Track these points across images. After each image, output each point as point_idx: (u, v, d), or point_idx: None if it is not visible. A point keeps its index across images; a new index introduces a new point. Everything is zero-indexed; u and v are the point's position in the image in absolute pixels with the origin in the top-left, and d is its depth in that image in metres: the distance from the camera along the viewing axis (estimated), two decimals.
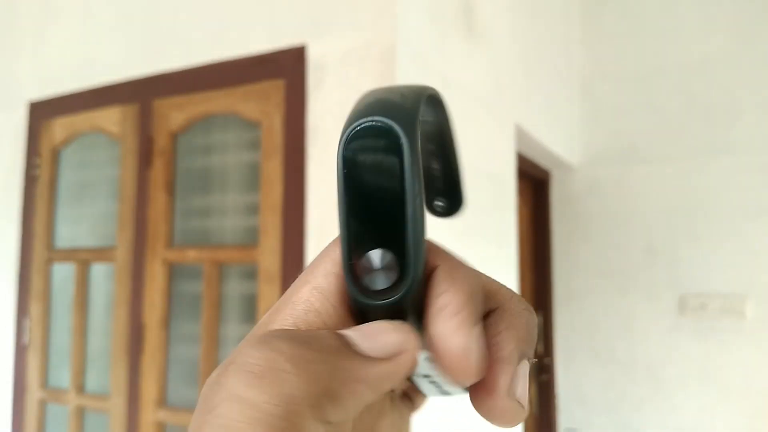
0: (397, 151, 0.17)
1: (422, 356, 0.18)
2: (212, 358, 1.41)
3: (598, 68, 2.75)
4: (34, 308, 1.74)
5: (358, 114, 0.18)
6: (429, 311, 0.18)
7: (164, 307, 1.50)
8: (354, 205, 0.18)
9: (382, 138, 0.18)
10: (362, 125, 0.18)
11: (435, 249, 0.19)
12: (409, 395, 0.22)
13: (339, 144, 0.18)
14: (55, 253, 1.73)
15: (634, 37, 2.68)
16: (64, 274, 1.71)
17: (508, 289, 0.21)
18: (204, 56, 1.46)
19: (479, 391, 0.19)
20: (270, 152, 1.36)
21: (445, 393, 0.20)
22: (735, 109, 2.46)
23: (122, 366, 1.54)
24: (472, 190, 1.62)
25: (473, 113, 1.62)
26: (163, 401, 1.49)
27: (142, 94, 1.57)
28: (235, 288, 1.44)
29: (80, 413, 1.64)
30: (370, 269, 0.17)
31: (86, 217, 1.72)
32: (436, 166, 0.24)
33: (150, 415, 1.49)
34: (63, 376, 1.69)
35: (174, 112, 1.51)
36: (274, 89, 1.36)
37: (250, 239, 1.41)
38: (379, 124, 0.18)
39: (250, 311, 1.42)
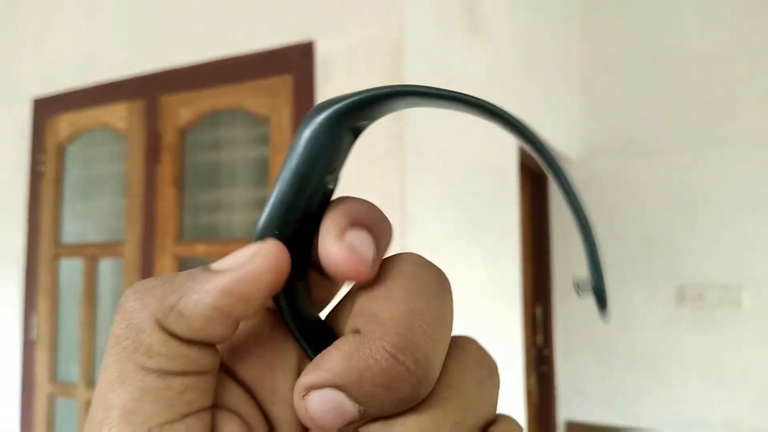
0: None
1: None
2: None
3: (597, 62, 2.77)
4: (42, 304, 1.75)
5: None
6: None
7: None
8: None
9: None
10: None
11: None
12: None
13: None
14: (62, 249, 1.74)
15: (633, 31, 2.70)
16: (71, 269, 1.73)
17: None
18: (211, 52, 1.47)
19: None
20: (279, 147, 1.38)
21: None
22: (733, 102, 2.48)
23: None
24: (477, 184, 1.64)
25: None
26: None
27: (148, 90, 1.58)
28: None
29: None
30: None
31: (93, 213, 1.73)
32: None
33: None
34: (72, 370, 1.70)
35: (182, 108, 1.52)
36: (283, 85, 1.38)
37: None
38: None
39: None
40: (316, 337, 0.19)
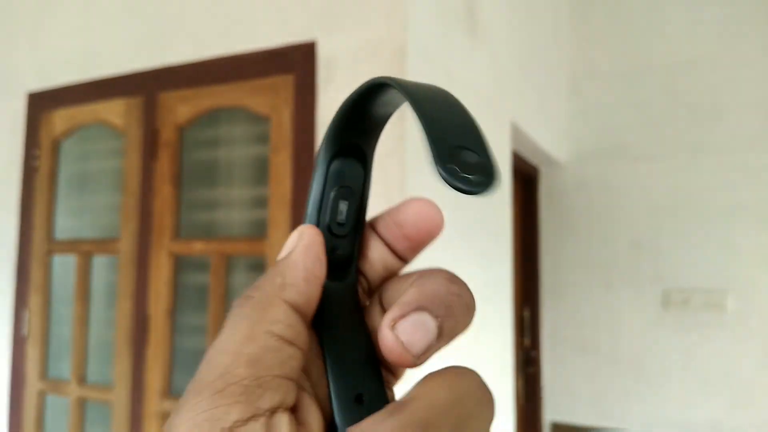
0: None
1: None
2: None
3: (587, 67, 2.81)
4: (34, 300, 1.73)
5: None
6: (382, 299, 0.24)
7: (170, 299, 1.51)
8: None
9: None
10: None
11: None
12: (390, 368, 0.24)
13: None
14: (55, 245, 1.73)
15: (622, 37, 2.75)
16: (64, 265, 1.71)
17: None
18: (212, 50, 1.47)
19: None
20: (279, 146, 1.38)
21: None
22: (719, 109, 2.53)
23: (126, 357, 1.55)
24: None
25: (475, 110, 1.65)
26: (168, 391, 1.50)
27: (147, 87, 1.58)
28: (242, 280, 1.46)
29: (81, 404, 1.64)
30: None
31: (88, 209, 1.72)
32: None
33: (154, 405, 1.50)
34: (63, 367, 1.69)
35: (180, 105, 1.52)
36: (284, 84, 1.38)
37: (258, 232, 1.43)
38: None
39: None
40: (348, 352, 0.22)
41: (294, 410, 0.20)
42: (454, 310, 0.21)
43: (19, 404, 1.73)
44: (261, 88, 1.41)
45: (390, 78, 0.22)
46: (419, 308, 0.20)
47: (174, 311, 1.52)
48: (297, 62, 1.37)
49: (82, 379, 1.65)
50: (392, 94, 0.23)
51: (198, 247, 1.49)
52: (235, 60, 1.44)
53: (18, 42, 1.85)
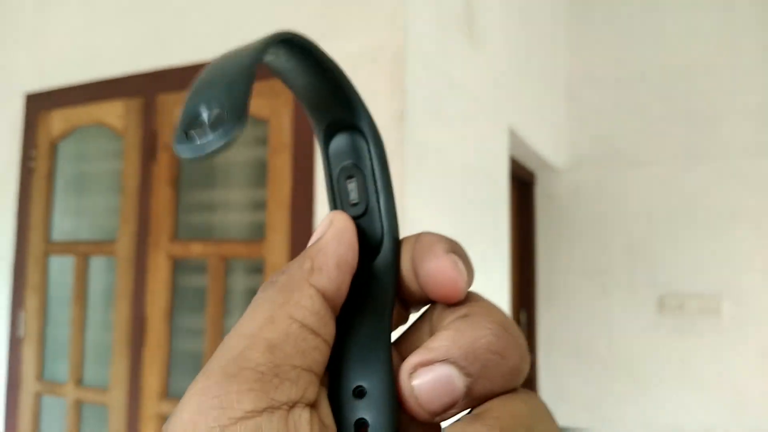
0: None
1: None
2: None
3: (584, 73, 2.83)
4: (30, 301, 1.73)
5: None
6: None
7: (167, 301, 1.51)
8: None
9: None
10: None
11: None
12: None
13: None
14: (52, 246, 1.72)
15: (619, 43, 2.77)
16: (61, 266, 1.71)
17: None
18: (212, 52, 1.47)
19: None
20: (278, 149, 1.38)
21: None
22: (715, 115, 2.55)
23: (123, 359, 1.55)
24: (472, 191, 1.67)
25: (473, 115, 1.66)
26: (165, 393, 1.50)
27: (146, 89, 1.58)
28: (240, 282, 1.46)
29: (78, 406, 1.64)
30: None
31: (86, 210, 1.72)
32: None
33: (152, 407, 1.50)
34: (60, 369, 1.69)
35: (179, 107, 1.52)
36: (283, 87, 1.38)
37: (257, 234, 1.43)
38: None
39: None
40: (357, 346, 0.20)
41: (315, 408, 0.18)
42: (491, 372, 0.18)
43: (16, 406, 1.72)
44: (260, 90, 1.42)
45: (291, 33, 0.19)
46: (447, 360, 0.18)
47: (171, 313, 1.52)
48: None
49: (78, 381, 1.65)
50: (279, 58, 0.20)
51: (196, 249, 1.49)
52: None
53: (17, 42, 1.84)
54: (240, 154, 1.49)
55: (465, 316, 0.19)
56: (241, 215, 1.49)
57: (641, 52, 2.71)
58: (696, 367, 2.49)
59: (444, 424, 0.18)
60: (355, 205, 0.22)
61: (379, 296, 0.21)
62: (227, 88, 0.16)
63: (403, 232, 0.22)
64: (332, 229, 0.20)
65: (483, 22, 1.75)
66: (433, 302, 0.21)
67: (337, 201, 0.22)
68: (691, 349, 2.50)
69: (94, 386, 1.62)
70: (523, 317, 2.83)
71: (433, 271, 0.20)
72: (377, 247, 0.22)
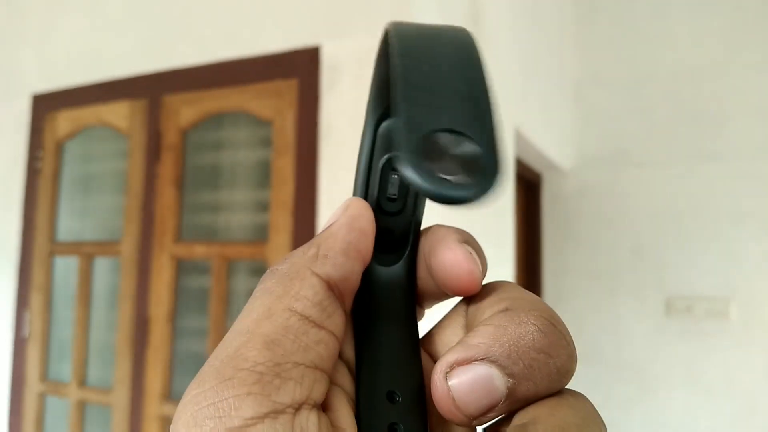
0: None
1: None
2: None
3: (591, 73, 2.81)
4: (35, 301, 1.73)
5: None
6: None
7: (171, 302, 1.51)
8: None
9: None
10: None
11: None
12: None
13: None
14: (57, 246, 1.73)
15: (626, 44, 2.75)
16: (66, 267, 1.71)
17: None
18: (217, 54, 1.47)
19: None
20: (282, 150, 1.38)
21: None
22: (723, 116, 2.53)
23: (126, 359, 1.55)
24: None
25: None
26: (168, 395, 1.50)
27: (152, 90, 1.58)
28: (243, 283, 1.46)
29: (81, 406, 1.64)
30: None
31: (90, 211, 1.72)
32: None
33: (154, 408, 1.50)
34: (64, 369, 1.69)
35: (184, 108, 1.52)
36: (288, 88, 1.38)
37: (260, 236, 1.43)
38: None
39: None
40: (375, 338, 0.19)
41: (326, 410, 0.17)
42: (536, 372, 0.16)
43: (20, 405, 1.73)
44: (265, 92, 1.41)
45: (393, 22, 0.17)
46: (488, 358, 0.16)
47: (175, 314, 1.52)
48: (301, 67, 1.37)
49: (82, 382, 1.65)
50: None
51: (199, 250, 1.49)
52: (239, 64, 1.44)
53: (24, 43, 1.85)
54: (244, 156, 1.49)
55: (507, 310, 0.17)
56: (245, 216, 1.48)
57: (649, 52, 2.69)
58: (703, 371, 2.47)
59: (480, 429, 0.17)
60: (393, 200, 0.20)
61: (405, 296, 0.20)
62: (478, 113, 0.14)
63: None
64: (346, 214, 0.19)
65: (489, 21, 1.73)
66: (447, 297, 0.20)
67: (370, 190, 0.20)
68: (699, 353, 2.48)
69: (98, 387, 1.62)
70: None
71: (447, 263, 0.19)
72: (405, 246, 0.21)
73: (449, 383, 0.16)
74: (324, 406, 0.17)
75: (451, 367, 0.16)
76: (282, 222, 1.36)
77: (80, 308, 1.67)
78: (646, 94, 2.68)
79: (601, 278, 2.71)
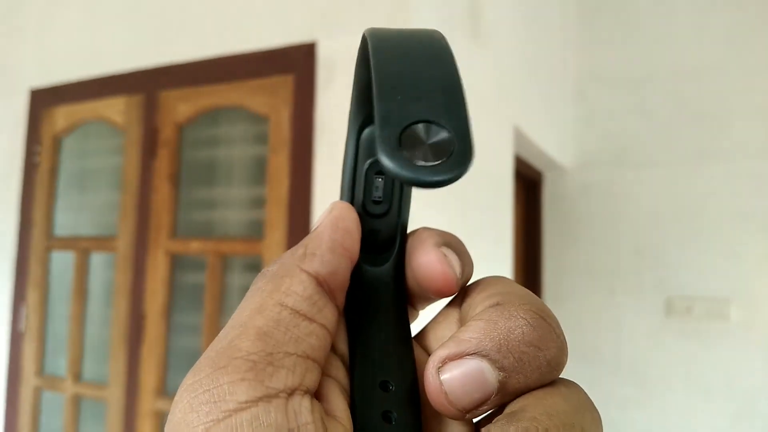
0: None
1: None
2: None
3: (593, 72, 2.79)
4: (32, 296, 1.73)
5: None
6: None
7: (165, 298, 1.51)
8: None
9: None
10: None
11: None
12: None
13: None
14: (54, 241, 1.73)
15: (629, 43, 2.73)
16: (63, 262, 1.71)
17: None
18: (213, 49, 1.47)
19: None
20: (277, 146, 1.38)
21: None
22: (725, 116, 2.51)
23: (121, 355, 1.55)
24: (473, 190, 1.65)
25: (477, 114, 1.64)
26: (162, 391, 1.50)
27: (148, 85, 1.57)
28: (238, 280, 1.45)
29: (77, 401, 1.64)
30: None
31: (87, 206, 1.72)
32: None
33: (149, 404, 1.50)
34: (60, 364, 1.69)
35: (180, 104, 1.52)
36: (283, 84, 1.38)
37: (255, 232, 1.42)
38: None
39: None
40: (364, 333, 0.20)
41: (320, 400, 0.17)
42: (526, 365, 0.17)
43: (16, 400, 1.73)
44: (261, 88, 1.41)
45: (370, 28, 0.19)
46: (479, 353, 0.16)
47: (169, 310, 1.51)
48: (297, 63, 1.36)
49: (77, 377, 1.65)
50: None
51: (195, 246, 1.49)
52: (235, 59, 1.44)
53: (22, 38, 1.85)
54: (240, 152, 1.49)
55: (497, 304, 0.18)
56: (240, 213, 1.48)
57: (651, 51, 2.67)
58: (703, 371, 2.45)
59: (474, 422, 0.17)
60: (378, 202, 0.21)
61: (395, 294, 0.21)
62: (450, 103, 0.15)
63: None
64: (330, 216, 0.20)
65: (489, 19, 1.72)
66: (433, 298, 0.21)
67: (356, 194, 0.21)
68: (699, 353, 2.46)
69: (94, 382, 1.62)
70: None
71: (423, 266, 0.20)
72: (392, 246, 0.21)
73: (441, 378, 0.17)
74: (318, 396, 0.17)
75: (443, 362, 0.17)
76: (277, 218, 1.36)
77: (76, 303, 1.67)
78: (648, 93, 2.66)
79: (601, 278, 2.69)
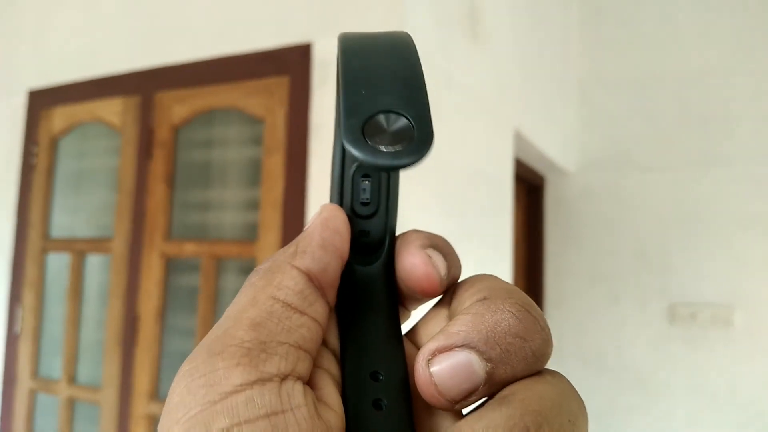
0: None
1: None
2: None
3: (596, 75, 2.77)
4: (27, 297, 1.72)
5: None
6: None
7: (160, 300, 1.50)
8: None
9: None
10: None
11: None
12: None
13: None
14: (50, 243, 1.72)
15: (632, 46, 2.71)
16: (58, 263, 1.71)
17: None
18: (209, 50, 1.46)
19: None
20: (272, 148, 1.36)
21: None
22: (730, 120, 2.48)
23: (115, 358, 1.54)
24: (472, 193, 1.63)
25: (475, 116, 1.63)
26: (155, 394, 1.48)
27: (144, 86, 1.57)
28: (232, 282, 1.44)
29: (71, 404, 1.63)
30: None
31: (83, 207, 1.71)
32: None
33: (142, 407, 1.48)
34: (54, 366, 1.68)
35: (176, 105, 1.51)
36: (279, 86, 1.36)
37: (250, 234, 1.41)
38: None
39: None
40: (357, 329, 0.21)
41: (312, 389, 0.18)
42: (512, 356, 0.17)
43: (11, 402, 1.72)
44: (256, 89, 1.40)
45: (342, 33, 0.20)
46: (467, 345, 0.17)
47: (164, 313, 1.50)
48: (292, 64, 1.35)
49: (72, 379, 1.64)
50: None
51: (189, 248, 1.48)
52: (231, 61, 1.43)
53: (20, 39, 1.85)
54: (235, 153, 1.48)
55: (484, 299, 0.18)
56: (235, 215, 1.47)
57: (655, 54, 2.65)
58: (707, 378, 2.42)
59: (464, 412, 0.18)
60: (366, 204, 0.22)
61: (386, 292, 0.22)
62: (410, 94, 0.17)
63: (399, 233, 0.22)
64: (320, 217, 0.21)
65: (489, 21, 1.71)
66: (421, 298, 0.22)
67: (344, 197, 0.22)
68: (702, 360, 2.43)
69: (87, 384, 1.61)
70: None
71: (407, 267, 0.21)
72: (382, 247, 0.22)
73: (431, 369, 0.17)
74: (310, 386, 0.18)
75: (433, 354, 0.17)
76: (272, 221, 1.34)
77: (71, 305, 1.66)
78: (651, 96, 2.64)
79: (603, 283, 2.67)
